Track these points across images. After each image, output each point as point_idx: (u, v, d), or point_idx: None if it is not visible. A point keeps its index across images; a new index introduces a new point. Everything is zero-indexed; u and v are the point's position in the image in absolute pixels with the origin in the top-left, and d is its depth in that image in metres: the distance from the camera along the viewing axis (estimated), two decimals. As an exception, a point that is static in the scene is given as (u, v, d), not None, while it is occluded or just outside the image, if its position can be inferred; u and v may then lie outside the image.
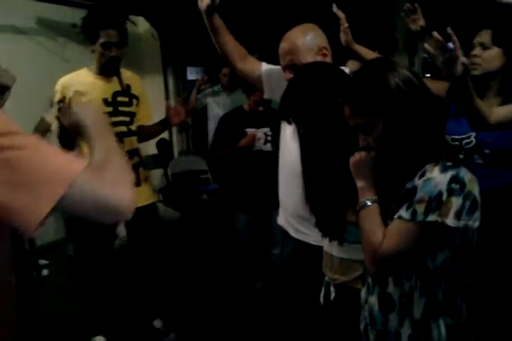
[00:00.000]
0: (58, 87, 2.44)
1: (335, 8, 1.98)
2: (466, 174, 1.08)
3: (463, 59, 1.54)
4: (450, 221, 1.06)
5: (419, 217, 1.07)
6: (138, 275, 2.76)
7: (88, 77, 2.45)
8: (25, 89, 3.96)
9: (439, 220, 1.06)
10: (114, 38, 2.36)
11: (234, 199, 3.14)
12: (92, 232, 2.56)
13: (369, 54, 2.08)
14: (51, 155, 0.84)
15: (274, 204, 2.08)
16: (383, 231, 1.14)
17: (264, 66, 1.97)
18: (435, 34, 1.53)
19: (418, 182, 1.10)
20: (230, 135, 3.05)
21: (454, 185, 1.06)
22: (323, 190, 1.45)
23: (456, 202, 1.06)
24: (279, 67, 1.94)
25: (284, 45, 1.80)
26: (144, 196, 2.59)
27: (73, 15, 3.75)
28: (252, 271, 3.19)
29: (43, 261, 3.90)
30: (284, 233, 1.98)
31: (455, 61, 1.54)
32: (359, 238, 1.37)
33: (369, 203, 1.19)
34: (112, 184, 0.86)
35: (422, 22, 2.08)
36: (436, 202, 1.06)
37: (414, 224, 1.08)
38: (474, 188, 1.09)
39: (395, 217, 1.12)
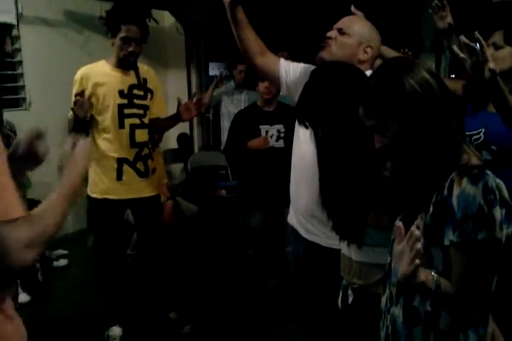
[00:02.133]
0: (77, 76, 2.49)
1: (353, 8, 1.96)
2: (493, 180, 1.05)
3: (491, 64, 1.51)
4: (499, 234, 1.03)
5: (471, 236, 1.03)
6: (155, 268, 2.79)
7: (106, 68, 2.50)
8: (49, 81, 4.05)
9: (490, 236, 1.02)
10: (135, 34, 2.39)
11: (247, 196, 3.15)
12: (106, 225, 2.61)
13: (390, 52, 2.06)
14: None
15: (287, 201, 2.07)
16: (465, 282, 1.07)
17: (283, 62, 1.96)
18: (463, 38, 1.52)
19: (452, 199, 1.05)
20: (244, 132, 3.04)
21: (489, 196, 1.02)
22: (342, 194, 1.41)
23: (496, 213, 1.02)
24: (297, 63, 1.96)
25: (347, 19, 1.87)
26: (151, 187, 2.65)
27: (101, 8, 3.78)
28: (266, 267, 3.20)
29: (61, 251, 3.96)
30: (295, 232, 1.97)
31: (483, 64, 1.52)
32: (378, 241, 1.35)
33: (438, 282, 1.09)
34: (26, 245, 0.92)
35: (449, 19, 2.06)
36: (481, 218, 1.02)
37: (468, 245, 1.04)
38: (504, 192, 1.06)
39: (446, 243, 1.06)
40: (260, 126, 3.02)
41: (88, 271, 3.61)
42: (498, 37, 1.93)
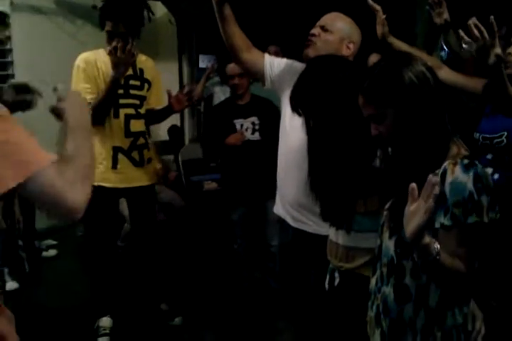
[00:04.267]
0: (80, 62, 2.46)
1: (370, 1, 2.00)
2: (481, 170, 1.13)
3: (497, 49, 1.53)
4: (486, 218, 1.10)
5: (461, 220, 1.10)
6: (146, 260, 2.80)
7: (105, 58, 2.45)
8: (39, 70, 4.00)
9: (478, 220, 1.10)
10: (119, 29, 2.36)
11: (227, 190, 3.16)
12: (98, 213, 2.60)
13: (404, 47, 2.05)
14: (23, 144, 0.92)
15: (268, 194, 2.07)
16: (456, 258, 1.13)
17: (267, 57, 2.01)
18: (474, 20, 1.53)
19: (445, 186, 1.12)
20: (220, 127, 3.04)
21: (478, 184, 1.10)
22: (332, 181, 1.46)
23: (484, 200, 1.10)
24: (281, 59, 2.02)
25: (329, 17, 1.93)
26: (146, 176, 2.66)
27: (94, -2, 3.74)
28: (251, 261, 3.21)
29: (50, 242, 3.96)
30: (282, 222, 1.99)
31: (489, 49, 1.55)
32: (365, 226, 1.43)
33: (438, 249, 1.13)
34: (71, 184, 0.94)
35: (446, 15, 2.08)
36: (471, 203, 1.10)
37: (458, 229, 1.11)
38: (490, 181, 1.14)
39: (437, 226, 1.13)
40: (234, 121, 3.03)
41: (77, 261, 3.61)
42: None
